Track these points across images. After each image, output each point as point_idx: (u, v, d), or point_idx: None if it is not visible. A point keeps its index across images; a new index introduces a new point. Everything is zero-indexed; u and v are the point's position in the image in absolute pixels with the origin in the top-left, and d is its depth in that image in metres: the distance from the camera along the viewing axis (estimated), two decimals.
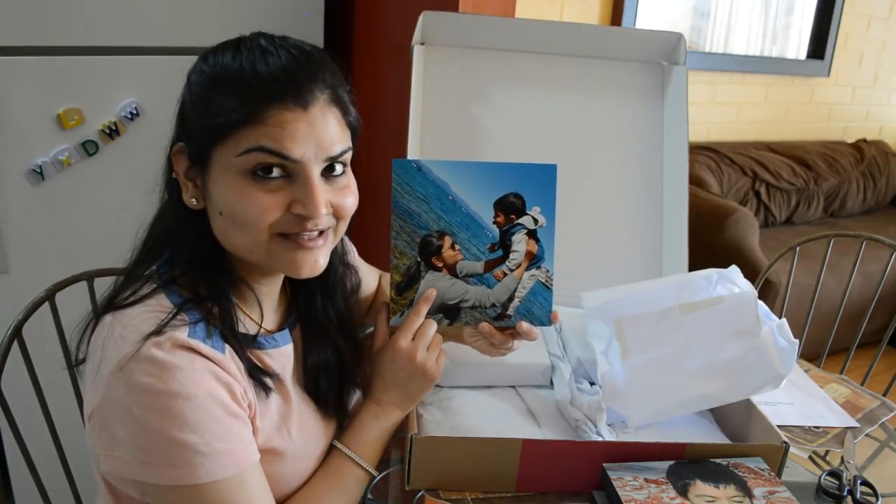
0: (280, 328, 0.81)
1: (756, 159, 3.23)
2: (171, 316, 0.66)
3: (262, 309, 0.77)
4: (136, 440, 0.64)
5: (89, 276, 1.15)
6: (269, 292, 0.80)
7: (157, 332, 0.64)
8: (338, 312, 0.86)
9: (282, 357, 0.78)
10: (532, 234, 0.83)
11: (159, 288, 0.70)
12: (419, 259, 0.82)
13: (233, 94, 0.67)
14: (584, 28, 1.23)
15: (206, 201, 0.71)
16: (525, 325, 0.84)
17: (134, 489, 0.67)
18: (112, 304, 0.70)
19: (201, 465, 0.64)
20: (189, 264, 0.72)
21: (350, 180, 0.74)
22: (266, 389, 0.73)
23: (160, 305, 0.68)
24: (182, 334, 0.65)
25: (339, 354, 0.85)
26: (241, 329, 0.74)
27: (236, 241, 0.71)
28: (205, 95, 0.69)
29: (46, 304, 1.11)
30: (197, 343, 0.65)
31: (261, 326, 0.76)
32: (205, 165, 0.69)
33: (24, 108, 1.38)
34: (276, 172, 0.67)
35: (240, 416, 0.68)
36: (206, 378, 0.65)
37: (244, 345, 0.72)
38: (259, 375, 0.73)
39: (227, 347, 0.70)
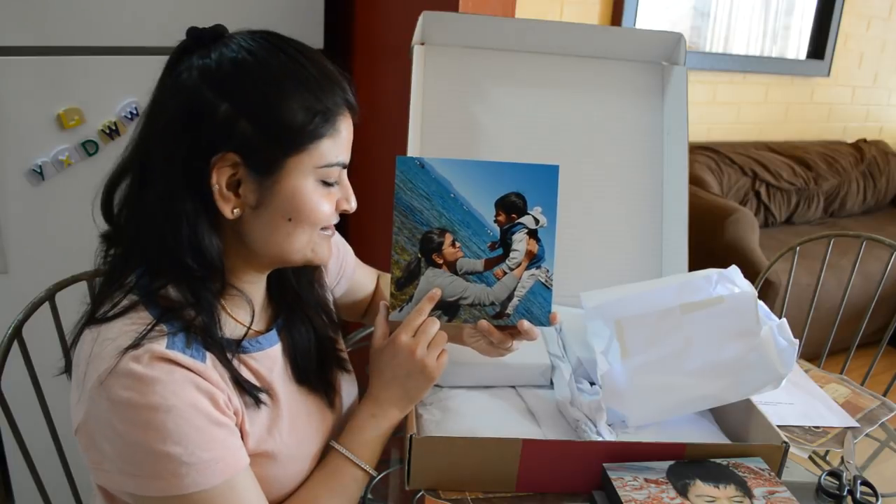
0: (267, 330, 0.80)
1: (756, 159, 3.23)
2: (148, 328, 0.65)
3: (253, 310, 0.76)
4: (121, 454, 0.64)
5: (89, 277, 1.15)
6: (258, 292, 0.79)
7: (135, 345, 0.64)
8: (306, 289, 0.86)
9: (267, 360, 0.77)
10: (533, 234, 0.83)
11: (139, 299, 0.68)
12: (420, 255, 0.82)
13: (306, 102, 0.68)
14: (583, 28, 1.23)
15: (257, 208, 0.69)
16: (526, 323, 0.84)
17: (128, 498, 0.67)
18: (93, 317, 0.69)
19: (187, 476, 0.64)
20: (181, 274, 0.69)
21: None
22: (255, 399, 0.72)
23: (139, 318, 0.67)
24: (160, 346, 0.64)
25: (314, 329, 0.84)
26: (227, 334, 0.72)
27: (292, 242, 0.72)
28: (268, 100, 0.67)
29: (46, 304, 1.11)
30: (175, 354, 0.65)
31: (249, 328, 0.75)
32: (272, 173, 0.68)
33: (24, 108, 1.38)
34: (336, 178, 0.74)
35: (224, 423, 0.67)
36: (186, 389, 0.64)
37: (228, 350, 0.71)
38: (244, 384, 0.72)
39: (209, 355, 0.68)
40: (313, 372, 0.83)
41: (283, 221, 0.70)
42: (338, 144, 0.71)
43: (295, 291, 0.84)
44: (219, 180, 0.67)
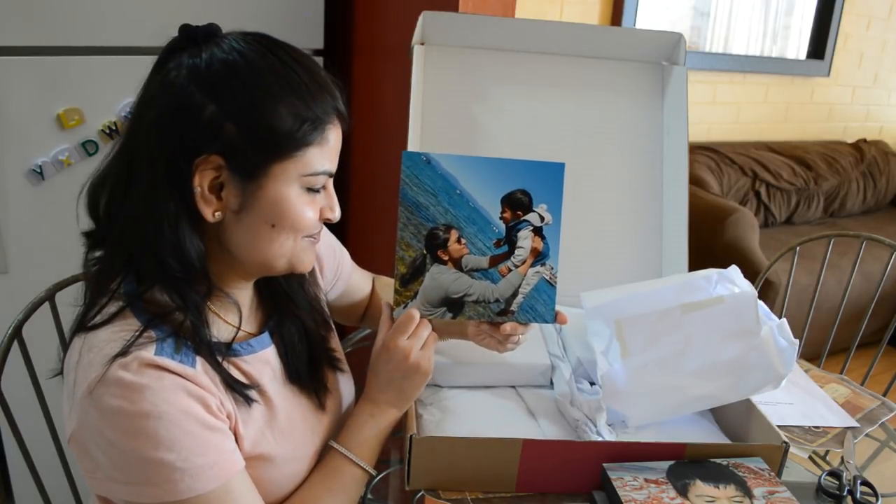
0: (259, 332, 0.80)
1: (756, 159, 3.23)
2: (136, 335, 0.64)
3: (241, 313, 0.76)
4: (114, 462, 0.63)
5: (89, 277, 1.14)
6: (246, 296, 0.79)
7: (123, 352, 0.63)
8: (296, 289, 0.85)
9: (259, 363, 0.77)
10: (538, 231, 0.83)
11: (126, 306, 0.67)
12: (425, 252, 0.82)
13: (295, 108, 0.66)
14: (583, 28, 1.23)
15: (239, 212, 0.68)
16: (508, 326, 0.85)
17: None
18: (81, 324, 0.68)
19: (181, 481, 0.63)
20: (166, 276, 0.68)
21: None
22: (247, 400, 0.72)
23: (127, 324, 0.66)
24: (148, 353, 0.64)
25: (304, 328, 0.84)
26: (218, 336, 0.72)
27: (275, 249, 0.71)
28: (256, 104, 0.65)
29: (46, 304, 1.11)
30: (164, 360, 0.64)
31: (238, 329, 0.75)
32: (256, 178, 0.67)
33: (24, 108, 1.38)
34: (321, 186, 0.73)
35: (217, 428, 0.67)
36: (176, 395, 0.64)
37: (218, 354, 0.70)
38: (235, 387, 0.71)
39: (199, 360, 0.68)
40: (304, 370, 0.82)
41: (265, 227, 0.70)
42: (325, 153, 0.70)
43: (285, 292, 0.83)
44: (201, 182, 0.66)
